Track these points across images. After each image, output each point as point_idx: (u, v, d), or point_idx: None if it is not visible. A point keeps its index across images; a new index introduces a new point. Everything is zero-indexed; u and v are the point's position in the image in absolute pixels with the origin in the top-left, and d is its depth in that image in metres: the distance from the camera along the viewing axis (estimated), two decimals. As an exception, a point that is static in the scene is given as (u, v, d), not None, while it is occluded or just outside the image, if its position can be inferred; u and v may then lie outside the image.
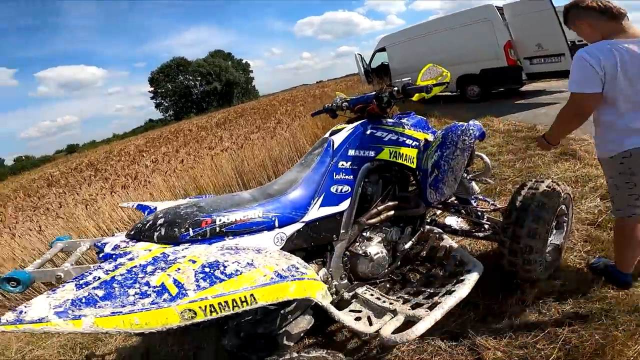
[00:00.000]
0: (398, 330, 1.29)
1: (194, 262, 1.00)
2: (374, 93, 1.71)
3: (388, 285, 1.77)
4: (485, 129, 1.81)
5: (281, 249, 1.32)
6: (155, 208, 1.69)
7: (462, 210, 2.02)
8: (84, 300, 0.83)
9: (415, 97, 1.66)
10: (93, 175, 6.46)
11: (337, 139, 1.59)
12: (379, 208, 1.64)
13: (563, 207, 1.75)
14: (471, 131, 1.66)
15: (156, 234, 1.19)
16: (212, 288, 0.91)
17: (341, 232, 1.51)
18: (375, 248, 1.58)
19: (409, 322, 1.32)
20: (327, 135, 1.65)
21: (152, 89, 46.43)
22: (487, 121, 5.37)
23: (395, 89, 1.62)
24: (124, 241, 1.20)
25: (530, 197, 1.63)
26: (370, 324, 1.39)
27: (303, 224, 1.39)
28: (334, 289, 1.50)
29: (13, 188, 10.88)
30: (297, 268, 1.10)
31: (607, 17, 1.45)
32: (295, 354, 1.09)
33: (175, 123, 32.35)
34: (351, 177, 1.55)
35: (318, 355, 1.11)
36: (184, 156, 5.54)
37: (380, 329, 1.32)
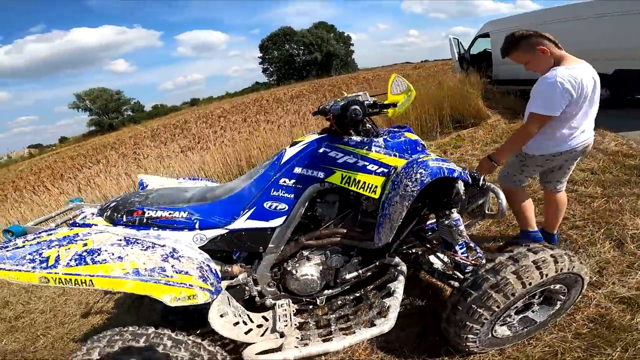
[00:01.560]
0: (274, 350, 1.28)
1: (85, 244, 1.20)
2: (341, 104, 1.40)
3: (312, 307, 1.66)
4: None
5: (203, 247, 1.43)
6: (146, 186, 1.96)
7: (438, 253, 1.72)
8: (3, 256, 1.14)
9: (390, 113, 1.52)
10: (180, 133, 7.34)
11: (288, 154, 1.47)
12: (323, 232, 1.52)
13: (559, 286, 1.41)
14: (418, 175, 1.28)
15: (105, 214, 1.46)
16: (73, 267, 1.12)
17: (270, 246, 1.49)
18: (306, 269, 1.53)
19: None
20: (287, 147, 1.54)
21: (261, 54, 49.30)
22: (597, 135, 4.06)
23: (354, 107, 1.32)
24: (92, 213, 1.49)
25: (498, 269, 1.30)
26: (246, 333, 1.38)
27: (227, 230, 1.44)
28: (256, 292, 1.54)
29: (132, 134, 12.89)
30: (164, 270, 1.18)
31: (555, 45, 1.66)
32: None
33: (274, 88, 34.66)
34: (291, 195, 1.45)
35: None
36: (245, 127, 5.94)
37: (250, 344, 1.31)
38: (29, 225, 1.51)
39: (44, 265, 1.12)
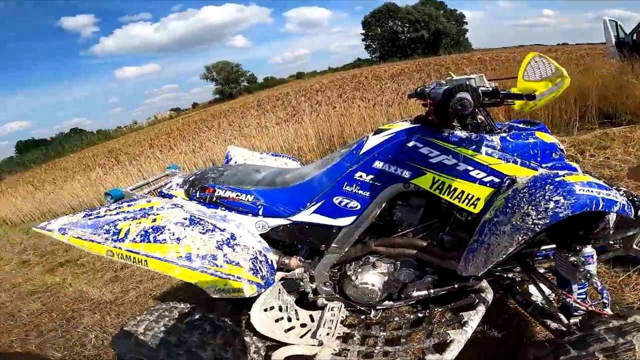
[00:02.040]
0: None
1: (154, 220, 1.23)
2: (444, 88, 1.08)
3: (364, 317, 1.46)
4: None
5: (265, 234, 1.36)
6: (230, 158, 1.98)
7: (545, 288, 1.25)
8: (78, 223, 1.22)
9: (517, 105, 1.17)
10: (280, 105, 7.70)
11: (370, 143, 1.24)
12: (397, 240, 1.28)
13: None
14: (551, 204, 0.87)
15: (184, 187, 1.49)
16: (136, 244, 1.15)
17: (333, 245, 1.32)
18: (368, 277, 1.33)
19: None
20: (370, 134, 1.30)
21: (364, 31, 48.04)
22: None
23: (461, 97, 0.99)
24: (177, 184, 1.54)
25: (625, 331, 0.92)
26: (286, 331, 1.29)
27: (290, 222, 1.33)
28: (310, 289, 1.42)
29: (242, 104, 14.04)
30: (215, 259, 1.15)
31: None
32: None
33: (375, 65, 33.79)
34: (367, 193, 1.23)
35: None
36: (340, 102, 5.86)
37: (286, 344, 1.23)
38: (127, 189, 1.59)
39: (114, 237, 1.17)
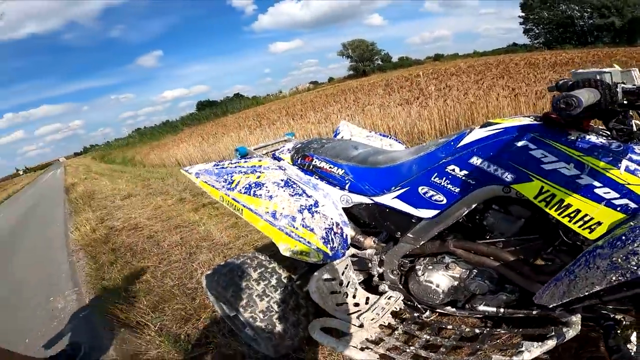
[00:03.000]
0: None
1: (258, 177, 1.37)
2: (569, 82, 0.90)
3: (417, 315, 1.37)
4: None
5: (348, 209, 1.38)
6: (338, 132, 1.99)
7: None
8: (208, 170, 1.43)
9: None
10: (409, 86, 7.22)
11: (472, 136, 1.09)
12: (481, 247, 1.14)
13: None
14: None
15: (291, 152, 1.60)
16: (239, 194, 1.30)
17: (409, 235, 1.25)
18: (436, 277, 1.23)
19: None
20: (477, 127, 1.16)
21: (524, 14, 40.08)
22: None
23: (574, 94, 0.78)
24: (288, 149, 1.67)
25: None
26: (338, 305, 1.30)
27: (372, 202, 1.30)
28: (376, 273, 1.39)
29: (372, 82, 13.78)
30: (294, 220, 1.24)
31: None
32: None
33: (537, 52, 28.19)
34: (456, 189, 1.09)
35: None
36: (475, 89, 5.08)
37: (329, 315, 1.28)
38: (251, 148, 1.81)
39: (228, 186, 1.34)
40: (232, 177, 1.37)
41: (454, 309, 1.27)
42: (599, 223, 0.85)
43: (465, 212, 1.11)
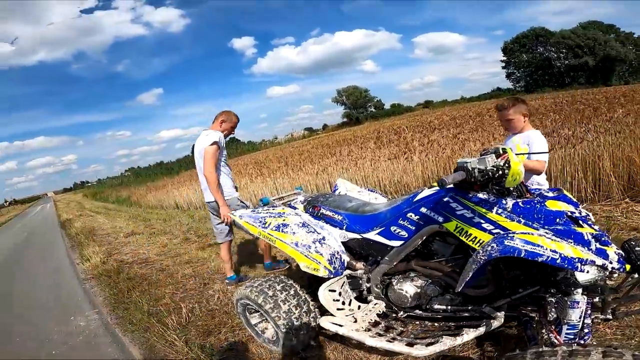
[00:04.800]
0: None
1: (284, 220, 1.98)
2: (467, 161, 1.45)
3: (394, 314, 1.83)
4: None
5: (345, 242, 1.95)
6: (337, 188, 2.58)
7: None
8: (248, 215, 2.06)
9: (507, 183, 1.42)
10: (396, 140, 7.99)
11: (422, 194, 1.69)
12: (431, 264, 1.69)
13: None
14: (489, 247, 1.25)
15: (304, 203, 2.22)
16: (273, 230, 1.93)
17: (386, 258, 1.78)
18: (405, 286, 1.71)
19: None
20: (427, 187, 1.77)
21: (505, 58, 43.17)
22: None
23: (445, 178, 1.37)
24: (300, 201, 2.27)
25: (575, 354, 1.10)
26: (338, 309, 1.81)
27: (361, 237, 1.88)
28: (365, 287, 1.90)
29: (359, 134, 14.73)
30: (309, 248, 1.82)
31: None
32: None
33: (518, 95, 30.24)
34: (413, 227, 1.67)
35: None
36: (451, 144, 5.76)
37: (332, 315, 1.78)
38: (271, 199, 2.42)
39: (262, 225, 1.98)
40: (265, 219, 2.00)
41: (419, 310, 1.75)
42: (483, 241, 1.39)
43: (420, 242, 1.67)
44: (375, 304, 1.86)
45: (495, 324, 1.50)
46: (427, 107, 48.44)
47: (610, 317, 1.39)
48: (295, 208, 2.20)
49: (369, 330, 1.69)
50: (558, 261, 1.17)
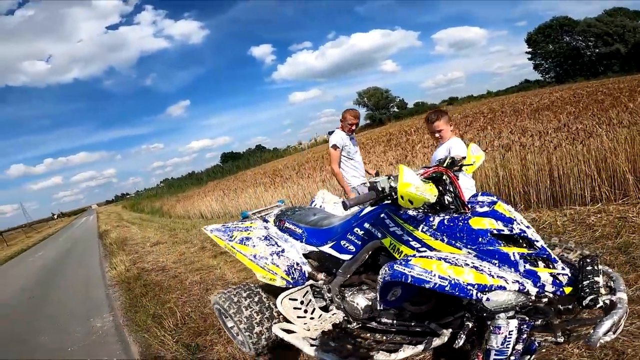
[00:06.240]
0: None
1: (249, 234, 2.13)
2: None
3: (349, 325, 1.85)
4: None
5: (306, 254, 2.05)
6: (314, 200, 2.68)
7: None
8: (218, 229, 2.22)
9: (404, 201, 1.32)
10: (404, 142, 8.00)
11: (366, 210, 1.69)
12: (372, 277, 1.75)
13: None
14: (383, 271, 1.29)
15: (273, 218, 2.36)
16: (236, 244, 2.07)
17: (340, 271, 1.84)
18: (357, 298, 1.76)
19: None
20: None
21: (530, 49, 41.05)
22: None
23: (382, 190, 1.37)
24: (274, 214, 2.40)
25: None
26: (298, 317, 1.90)
27: (318, 250, 1.95)
28: (327, 297, 1.96)
29: (374, 136, 14.68)
30: (266, 259, 1.97)
31: None
32: None
33: (552, 87, 28.81)
34: (359, 242, 1.70)
35: None
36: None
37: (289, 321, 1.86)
38: (250, 212, 2.60)
39: (229, 239, 2.13)
40: (232, 233, 2.16)
41: (374, 323, 1.72)
42: (407, 255, 1.39)
43: (367, 256, 1.69)
44: (333, 314, 1.90)
45: (437, 341, 1.42)
46: (452, 103, 47.00)
47: (561, 340, 1.28)
48: (267, 221, 2.33)
49: (316, 339, 1.71)
50: (447, 288, 1.13)
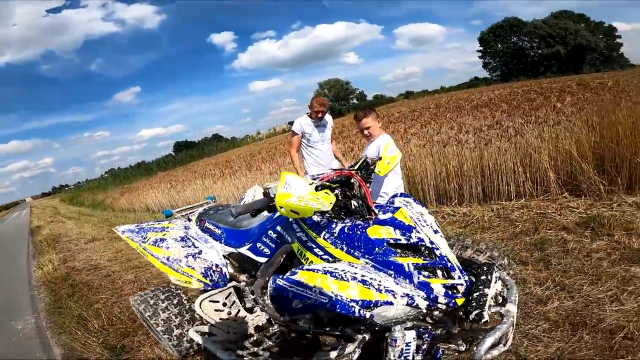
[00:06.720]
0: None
1: (164, 234, 2.03)
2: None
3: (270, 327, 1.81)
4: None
5: (227, 255, 2.00)
6: (244, 197, 2.67)
7: None
8: (131, 229, 2.11)
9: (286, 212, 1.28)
10: (355, 134, 8.20)
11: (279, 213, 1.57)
12: None
13: None
14: (270, 281, 1.29)
15: (196, 216, 2.29)
16: (148, 245, 1.95)
17: (259, 274, 1.80)
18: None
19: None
20: None
21: (481, 48, 43.82)
22: None
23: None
24: (199, 213, 2.35)
25: None
26: (220, 319, 1.85)
27: (237, 251, 1.93)
28: (251, 299, 1.88)
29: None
30: (180, 262, 1.88)
31: None
32: None
33: (498, 84, 31.00)
34: (273, 245, 1.69)
35: None
36: (398, 140, 5.91)
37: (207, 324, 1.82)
38: (174, 210, 2.54)
39: (142, 240, 2.01)
40: (147, 234, 2.04)
41: (294, 325, 1.54)
42: (312, 262, 1.41)
43: (282, 260, 1.64)
44: (257, 316, 1.85)
45: (350, 347, 1.31)
46: (408, 97, 48.66)
47: (462, 348, 1.28)
48: (190, 220, 2.28)
49: (235, 342, 1.67)
50: (328, 305, 1.11)
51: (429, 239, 1.30)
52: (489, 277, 1.20)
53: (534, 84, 16.37)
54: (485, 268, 1.24)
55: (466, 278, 1.23)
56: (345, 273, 1.17)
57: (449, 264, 1.24)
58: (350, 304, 1.09)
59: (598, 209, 2.92)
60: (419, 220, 1.39)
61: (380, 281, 1.15)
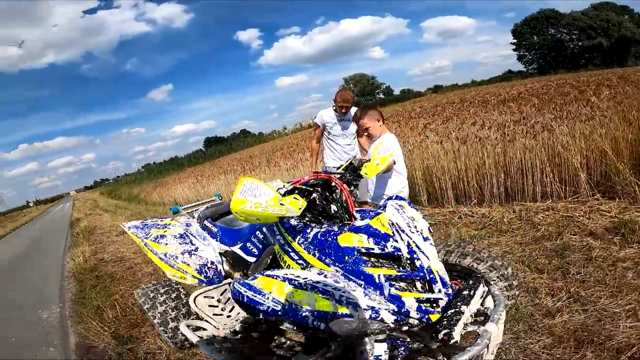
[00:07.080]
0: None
1: (165, 231, 2.06)
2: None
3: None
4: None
5: (222, 253, 2.01)
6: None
7: None
8: (137, 226, 2.18)
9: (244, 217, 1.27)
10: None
11: None
12: None
13: None
14: (232, 288, 1.28)
15: (197, 215, 2.34)
16: (149, 242, 2.00)
17: (249, 272, 1.85)
18: None
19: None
20: None
21: (515, 40, 41.49)
22: None
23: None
24: (202, 210, 2.39)
25: None
26: (214, 314, 1.97)
27: (230, 249, 1.97)
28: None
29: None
30: (176, 258, 1.91)
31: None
32: None
33: (534, 77, 29.31)
34: (261, 246, 1.75)
35: None
36: (413, 136, 5.72)
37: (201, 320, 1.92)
38: (181, 207, 2.62)
39: (145, 236, 2.06)
40: (150, 230, 2.10)
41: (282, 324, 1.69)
42: (290, 265, 1.40)
43: (268, 261, 1.70)
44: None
45: (331, 352, 1.29)
46: (436, 91, 47.23)
47: None
48: (193, 217, 2.33)
49: (222, 338, 1.72)
50: (280, 313, 1.09)
51: (410, 248, 1.22)
52: (472, 293, 1.12)
53: (571, 77, 15.22)
54: (470, 282, 1.16)
55: (449, 291, 1.15)
56: (305, 281, 1.13)
57: (431, 276, 1.16)
58: (305, 314, 1.06)
59: (632, 214, 2.65)
60: (409, 226, 1.31)
61: (344, 292, 1.10)
